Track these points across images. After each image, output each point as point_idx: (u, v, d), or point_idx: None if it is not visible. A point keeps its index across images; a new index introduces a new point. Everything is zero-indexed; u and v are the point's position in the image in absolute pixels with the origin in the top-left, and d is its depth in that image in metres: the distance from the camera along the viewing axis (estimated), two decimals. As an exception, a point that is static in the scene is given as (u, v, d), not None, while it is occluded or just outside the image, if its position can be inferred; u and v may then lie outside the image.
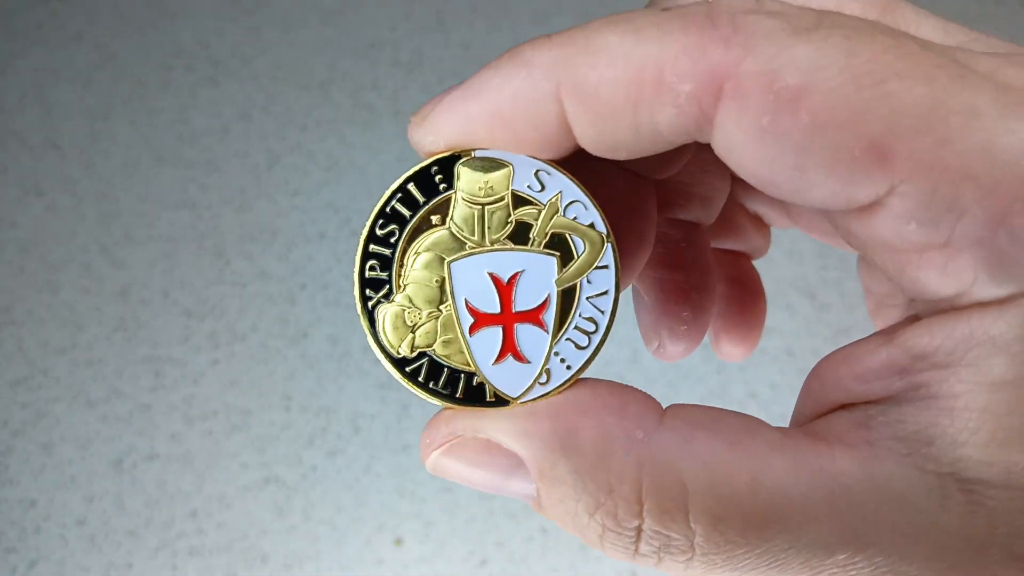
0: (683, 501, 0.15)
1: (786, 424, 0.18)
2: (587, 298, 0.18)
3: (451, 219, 0.18)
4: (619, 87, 0.15)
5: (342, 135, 0.59)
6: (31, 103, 0.60)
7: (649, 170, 0.21)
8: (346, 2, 0.65)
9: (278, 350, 0.52)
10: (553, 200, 0.18)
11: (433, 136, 0.17)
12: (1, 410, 0.49)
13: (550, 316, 0.18)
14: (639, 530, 0.16)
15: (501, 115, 0.16)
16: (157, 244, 0.55)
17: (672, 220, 0.25)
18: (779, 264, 0.54)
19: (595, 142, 0.16)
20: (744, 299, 0.27)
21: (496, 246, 0.18)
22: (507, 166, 0.18)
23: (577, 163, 0.18)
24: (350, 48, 0.63)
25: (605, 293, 0.18)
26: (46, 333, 0.51)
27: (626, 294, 0.21)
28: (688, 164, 0.22)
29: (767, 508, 0.15)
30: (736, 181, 0.25)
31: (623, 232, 0.21)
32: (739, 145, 0.15)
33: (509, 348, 0.18)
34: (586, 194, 0.18)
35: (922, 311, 0.16)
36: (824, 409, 0.17)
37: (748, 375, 0.51)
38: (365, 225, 0.18)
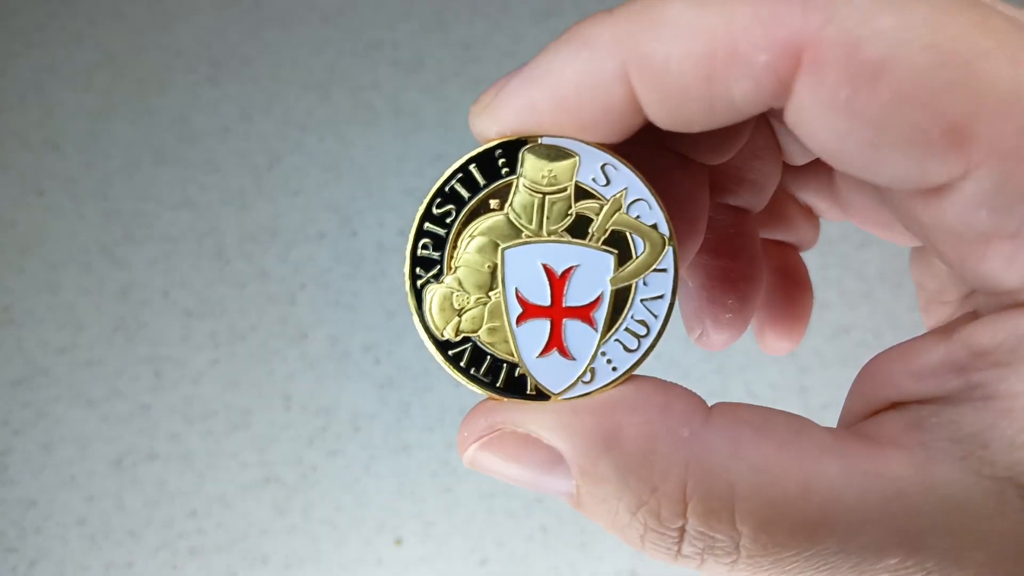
0: (730, 502, 0.15)
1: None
2: (641, 300, 0.17)
3: (510, 205, 0.17)
4: (690, 61, 0.14)
5: (342, 135, 0.59)
6: (31, 103, 0.60)
7: (704, 155, 0.21)
8: (346, 2, 0.65)
9: (278, 350, 0.52)
10: (617, 196, 0.17)
11: (497, 127, 0.16)
12: (1, 410, 0.49)
13: (601, 314, 0.17)
14: (682, 530, 0.15)
15: (566, 100, 0.15)
16: (157, 244, 0.55)
17: (722, 205, 0.24)
18: (779, 264, 0.54)
19: (667, 118, 0.15)
20: (791, 291, 0.26)
21: (553, 237, 0.17)
22: (574, 156, 0.17)
23: (631, 148, 0.17)
24: (350, 48, 0.63)
25: (661, 297, 0.18)
26: (46, 333, 0.51)
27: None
28: (740, 148, 0.21)
29: (818, 512, 0.15)
30: (787, 169, 0.24)
31: (674, 217, 0.20)
32: (814, 117, 0.14)
33: (555, 343, 0.17)
34: (652, 193, 0.17)
35: (982, 307, 0.15)
36: (875, 408, 0.17)
37: (748, 375, 0.51)
38: (423, 202, 0.18)
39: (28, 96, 0.60)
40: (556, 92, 0.15)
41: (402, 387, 0.52)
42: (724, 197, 0.24)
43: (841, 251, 0.55)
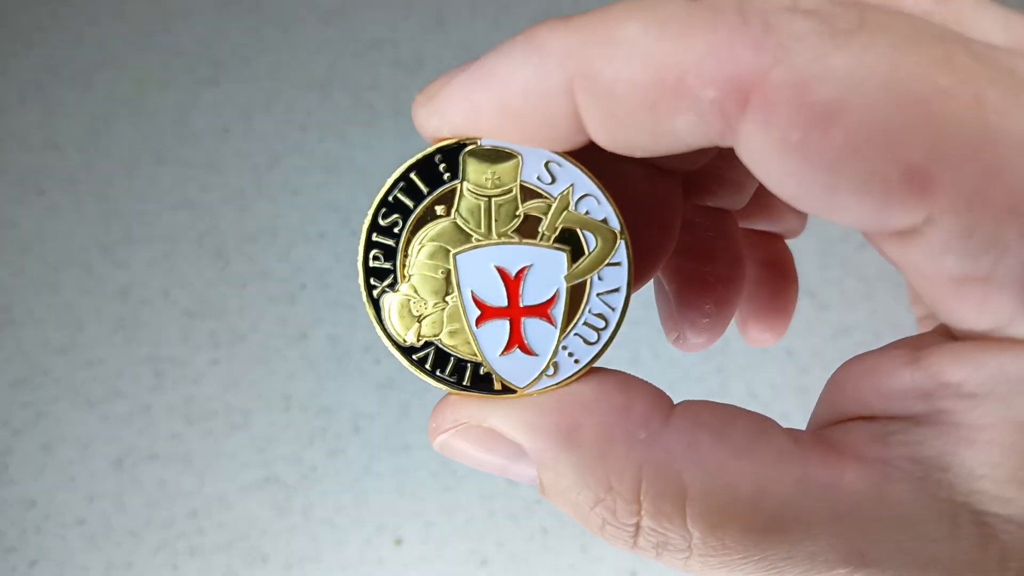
0: (681, 504, 0.15)
1: (789, 423, 0.17)
2: (597, 294, 0.18)
3: (456, 210, 0.17)
4: (636, 87, 0.14)
5: (342, 135, 0.59)
6: (31, 103, 0.60)
7: (672, 164, 0.20)
8: (346, 2, 0.65)
9: (278, 350, 0.52)
10: (564, 194, 0.17)
11: (437, 121, 0.16)
12: (1, 410, 0.49)
13: (559, 311, 0.18)
14: (638, 526, 0.16)
15: (510, 106, 0.15)
16: (157, 244, 0.55)
17: (699, 207, 0.23)
18: (779, 264, 0.54)
19: (608, 141, 0.15)
20: (775, 282, 0.26)
21: (503, 239, 0.17)
22: (516, 157, 0.17)
23: (594, 153, 0.16)
24: (350, 48, 0.63)
25: (616, 290, 0.18)
26: (46, 333, 0.51)
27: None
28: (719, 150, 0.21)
29: (768, 519, 0.15)
30: None
31: (644, 225, 0.20)
32: (764, 158, 0.13)
33: (516, 341, 0.18)
34: (600, 188, 0.17)
35: (956, 333, 0.15)
36: (841, 418, 0.17)
37: (748, 375, 0.51)
38: (367, 214, 0.18)
39: (28, 96, 0.60)
40: (500, 97, 0.15)
41: (402, 387, 0.52)
42: (703, 199, 0.23)
43: (841, 251, 0.55)
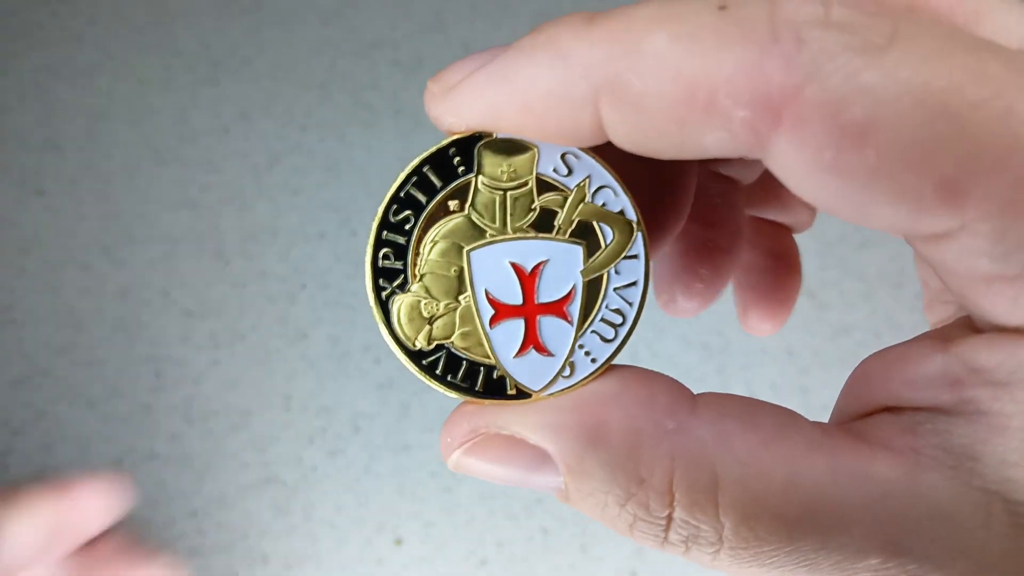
0: (714, 494, 0.15)
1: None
2: (614, 289, 0.17)
3: (471, 205, 0.17)
4: (665, 103, 0.14)
5: (342, 135, 0.59)
6: (31, 103, 0.60)
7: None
8: (346, 2, 0.65)
9: (278, 350, 0.52)
10: (580, 185, 0.17)
11: (455, 119, 0.16)
12: (1, 410, 0.49)
13: (575, 308, 0.17)
14: (669, 519, 0.15)
15: (531, 108, 0.15)
16: (157, 244, 0.55)
17: (711, 173, 0.23)
18: (779, 264, 0.54)
19: (632, 147, 0.15)
20: (779, 273, 0.25)
21: (518, 234, 0.17)
22: (532, 149, 0.16)
23: (610, 144, 0.16)
24: (350, 48, 0.63)
25: (634, 284, 0.17)
26: (46, 333, 0.51)
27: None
28: None
29: (801, 509, 0.15)
30: None
31: (657, 208, 0.20)
32: (797, 173, 0.14)
33: (531, 341, 0.17)
34: (616, 179, 0.17)
35: (980, 323, 0.15)
36: (868, 410, 0.17)
37: (748, 375, 0.51)
38: (378, 211, 0.17)
39: (28, 96, 0.60)
40: (523, 99, 0.15)
41: (402, 387, 0.52)
42: (714, 165, 0.23)
43: (841, 252, 0.55)
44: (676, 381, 0.17)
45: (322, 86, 0.61)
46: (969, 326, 0.15)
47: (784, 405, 0.17)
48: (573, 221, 0.17)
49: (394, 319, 0.17)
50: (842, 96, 0.12)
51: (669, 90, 0.13)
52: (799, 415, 0.16)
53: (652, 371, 0.17)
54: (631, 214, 0.17)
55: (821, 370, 0.51)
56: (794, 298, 0.26)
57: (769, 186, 0.25)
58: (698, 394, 0.16)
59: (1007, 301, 0.14)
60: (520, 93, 0.15)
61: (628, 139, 0.15)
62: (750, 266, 0.25)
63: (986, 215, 0.13)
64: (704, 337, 0.52)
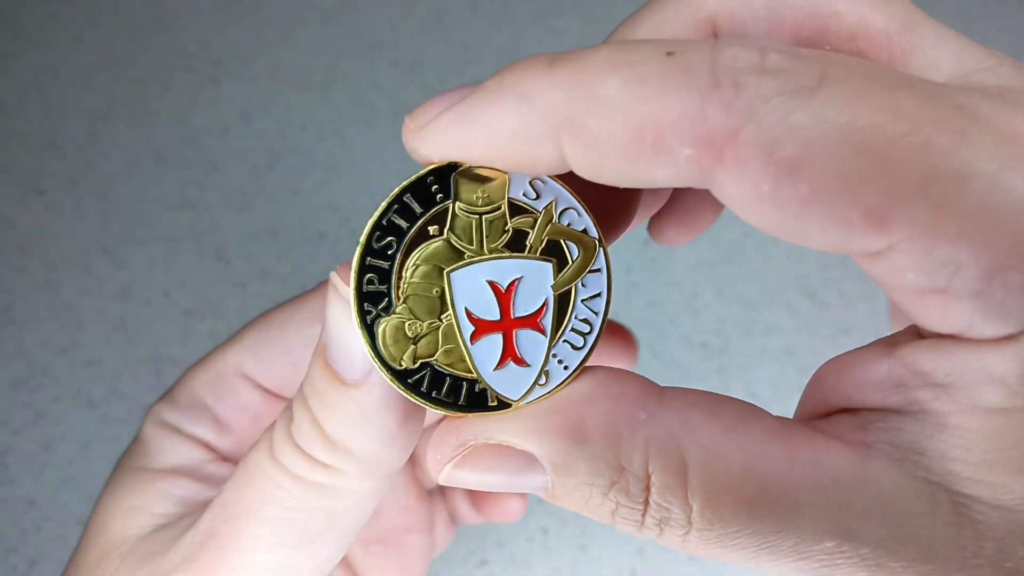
0: (683, 477, 0.16)
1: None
2: (582, 301, 0.18)
3: (449, 229, 0.18)
4: (620, 141, 0.15)
5: (342, 135, 0.59)
6: (31, 103, 0.60)
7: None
8: (346, 2, 0.65)
9: (278, 350, 0.52)
10: (548, 208, 0.18)
11: (427, 152, 0.18)
12: (1, 410, 0.49)
13: (548, 320, 0.18)
14: (646, 503, 0.16)
15: (498, 146, 0.16)
16: (157, 244, 0.55)
17: None
18: (779, 264, 0.54)
19: (591, 176, 0.16)
20: (704, 207, 0.27)
21: (494, 254, 0.18)
22: (503, 176, 0.18)
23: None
24: (350, 48, 0.63)
25: (598, 295, 0.19)
26: (46, 333, 0.51)
27: (618, 299, 0.22)
28: None
29: (759, 491, 0.16)
30: None
31: (610, 217, 0.22)
32: (740, 203, 0.15)
33: (510, 353, 0.18)
34: (579, 201, 0.18)
35: (925, 333, 0.16)
36: (824, 412, 0.18)
37: (748, 375, 0.51)
38: (360, 240, 0.18)
39: (28, 96, 0.60)
40: (490, 138, 0.16)
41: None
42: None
43: (841, 251, 0.55)
44: (642, 376, 0.18)
45: (322, 86, 0.61)
46: (916, 333, 0.17)
47: (784, 405, 0.17)
48: (543, 240, 0.18)
49: (379, 341, 0.18)
50: (775, 136, 0.14)
51: (621, 131, 0.15)
52: (761, 408, 0.17)
53: (618, 369, 0.18)
54: (593, 232, 0.18)
55: (821, 370, 0.51)
56: (705, 227, 0.28)
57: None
58: (664, 387, 0.18)
59: (937, 312, 0.15)
60: (487, 132, 0.16)
61: (587, 171, 0.16)
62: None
63: (910, 238, 0.14)
64: (704, 337, 0.52)
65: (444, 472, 0.18)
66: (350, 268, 0.18)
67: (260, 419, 0.26)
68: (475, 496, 0.30)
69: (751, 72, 0.14)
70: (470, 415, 0.18)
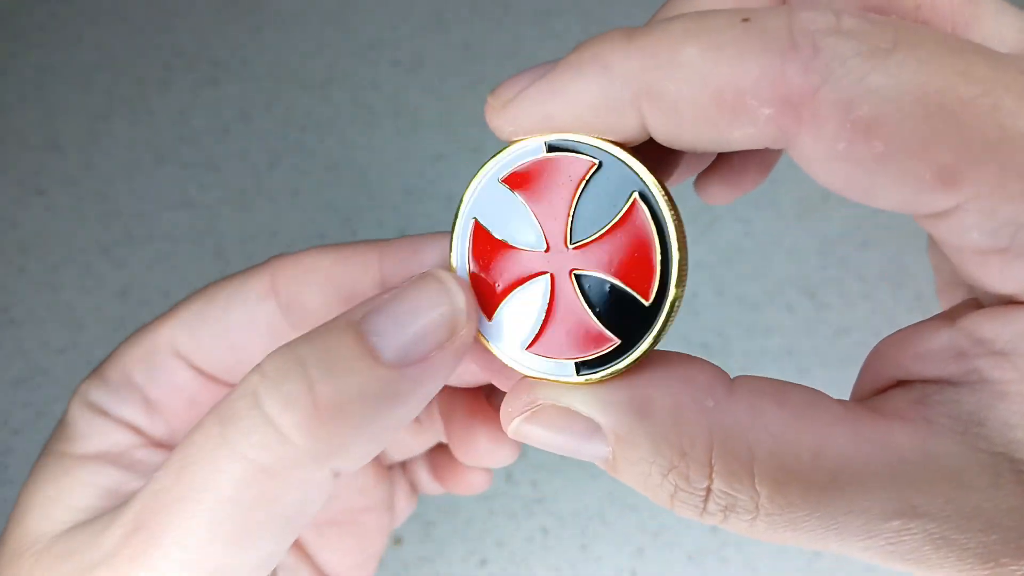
0: (750, 465, 0.16)
1: None
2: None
3: None
4: (699, 104, 0.16)
5: (342, 135, 0.59)
6: (31, 103, 0.60)
7: None
8: (346, 2, 0.65)
9: (278, 350, 0.52)
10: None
11: (513, 127, 0.18)
12: (1, 410, 0.49)
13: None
14: (708, 490, 0.17)
15: (581, 116, 0.17)
16: (157, 244, 0.55)
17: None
18: (779, 264, 0.54)
19: (671, 143, 0.17)
20: (751, 166, 0.27)
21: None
22: None
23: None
24: (350, 48, 0.63)
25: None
26: (46, 333, 0.51)
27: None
28: None
29: (828, 476, 0.16)
30: None
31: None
32: (815, 162, 0.16)
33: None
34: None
35: (983, 297, 0.17)
36: (882, 386, 0.18)
37: (748, 375, 0.51)
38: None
39: (28, 96, 0.60)
40: (573, 108, 0.17)
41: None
42: None
43: (841, 252, 0.55)
44: (714, 365, 0.18)
45: (322, 86, 0.61)
46: (974, 306, 0.17)
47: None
48: None
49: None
50: (852, 96, 0.14)
51: (700, 94, 0.15)
52: (824, 394, 0.18)
53: (692, 356, 0.19)
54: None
55: (821, 370, 0.51)
56: (752, 187, 0.28)
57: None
58: (734, 377, 0.18)
59: (997, 271, 0.16)
60: (571, 103, 0.17)
61: (668, 137, 0.17)
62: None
63: (977, 196, 0.15)
64: (704, 337, 0.52)
65: (513, 424, 0.19)
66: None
67: (195, 403, 0.24)
68: (437, 467, 0.29)
69: (827, 34, 0.15)
70: (544, 379, 0.19)
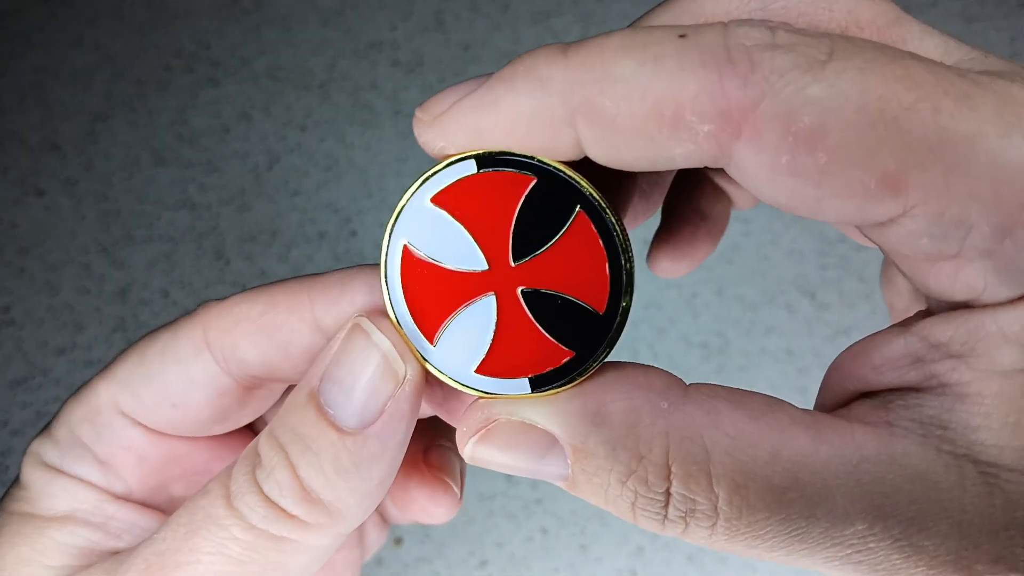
0: (706, 466, 0.16)
1: None
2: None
3: None
4: (637, 120, 0.15)
5: (342, 135, 0.59)
6: (31, 103, 0.60)
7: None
8: (346, 2, 0.65)
9: (278, 350, 0.52)
10: None
11: (443, 142, 0.17)
12: (1, 410, 0.49)
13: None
14: (668, 494, 0.16)
15: (514, 131, 0.16)
16: (157, 244, 0.55)
17: (711, 186, 0.27)
18: (779, 264, 0.54)
19: (607, 161, 0.16)
20: (701, 233, 0.28)
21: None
22: None
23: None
24: (350, 48, 0.63)
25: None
26: (46, 333, 0.51)
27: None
28: None
29: (787, 476, 0.16)
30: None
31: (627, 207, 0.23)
32: (757, 177, 0.15)
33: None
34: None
35: (934, 307, 0.17)
36: (844, 399, 0.18)
37: (748, 375, 0.51)
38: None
39: (28, 96, 0.60)
40: (506, 122, 0.16)
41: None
42: (716, 178, 0.26)
43: (841, 252, 0.55)
44: (668, 372, 0.18)
45: (322, 86, 0.61)
46: (926, 314, 0.17)
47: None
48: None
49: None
50: (793, 108, 0.14)
51: (638, 109, 0.15)
52: (783, 400, 0.17)
53: (645, 364, 0.18)
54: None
55: (821, 370, 0.51)
56: (702, 259, 0.28)
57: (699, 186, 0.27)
58: (689, 384, 0.18)
59: (949, 277, 0.15)
60: (505, 117, 0.16)
61: (604, 155, 0.16)
62: (680, 216, 0.28)
63: (923, 200, 0.14)
64: (704, 337, 0.52)
65: (468, 448, 0.18)
66: (379, 308, 0.19)
67: (146, 460, 0.23)
68: (398, 497, 0.29)
69: (764, 48, 0.15)
70: (499, 397, 0.18)
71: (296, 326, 0.21)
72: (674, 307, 0.52)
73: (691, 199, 0.27)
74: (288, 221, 0.56)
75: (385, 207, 0.55)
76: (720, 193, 0.27)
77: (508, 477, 0.48)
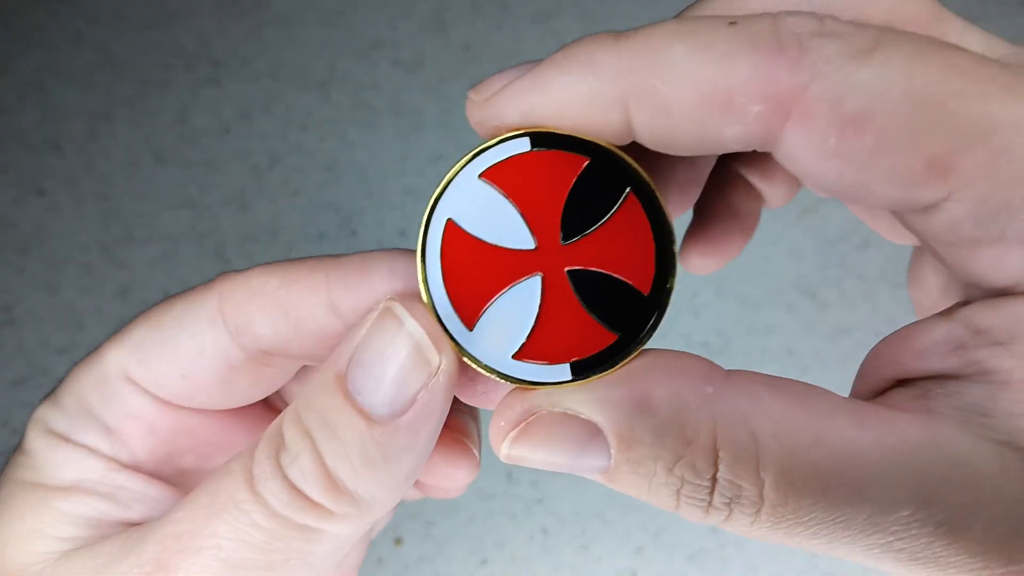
0: (754, 451, 0.16)
1: None
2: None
3: None
4: (688, 103, 0.16)
5: (342, 135, 0.59)
6: (31, 103, 0.60)
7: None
8: (346, 2, 0.65)
9: (278, 350, 0.52)
10: None
11: (496, 121, 0.18)
12: (1, 410, 0.49)
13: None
14: (714, 480, 0.16)
15: (566, 112, 0.17)
16: (157, 244, 0.55)
17: (744, 185, 0.27)
18: (779, 263, 0.54)
19: (656, 145, 0.17)
20: (733, 230, 0.28)
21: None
22: None
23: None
24: (350, 48, 0.63)
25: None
26: (46, 333, 0.51)
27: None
28: None
29: (832, 462, 0.16)
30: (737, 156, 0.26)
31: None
32: (805, 160, 0.16)
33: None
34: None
35: (973, 299, 0.17)
36: (881, 387, 0.18)
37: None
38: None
39: (28, 96, 0.60)
40: (558, 104, 0.17)
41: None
42: (748, 172, 0.27)
43: (841, 252, 0.55)
44: (706, 358, 0.18)
45: (322, 86, 0.61)
46: (965, 304, 0.17)
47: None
48: None
49: None
50: (841, 91, 0.15)
51: (691, 93, 0.16)
52: (824, 388, 0.17)
53: (681, 351, 0.18)
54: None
55: (821, 370, 0.51)
56: (732, 256, 0.29)
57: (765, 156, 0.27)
58: (727, 370, 0.18)
59: (991, 262, 0.16)
60: (556, 98, 0.17)
61: (654, 138, 0.17)
62: (712, 213, 0.28)
63: (969, 184, 0.15)
64: (704, 337, 0.52)
65: (504, 446, 0.18)
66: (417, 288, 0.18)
67: (155, 430, 0.23)
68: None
69: (812, 35, 0.15)
70: (536, 388, 0.18)
71: (311, 303, 0.20)
72: (674, 307, 0.52)
73: (724, 196, 0.28)
74: (288, 221, 0.56)
75: (386, 207, 0.55)
76: (752, 191, 0.28)
77: (509, 476, 0.48)
